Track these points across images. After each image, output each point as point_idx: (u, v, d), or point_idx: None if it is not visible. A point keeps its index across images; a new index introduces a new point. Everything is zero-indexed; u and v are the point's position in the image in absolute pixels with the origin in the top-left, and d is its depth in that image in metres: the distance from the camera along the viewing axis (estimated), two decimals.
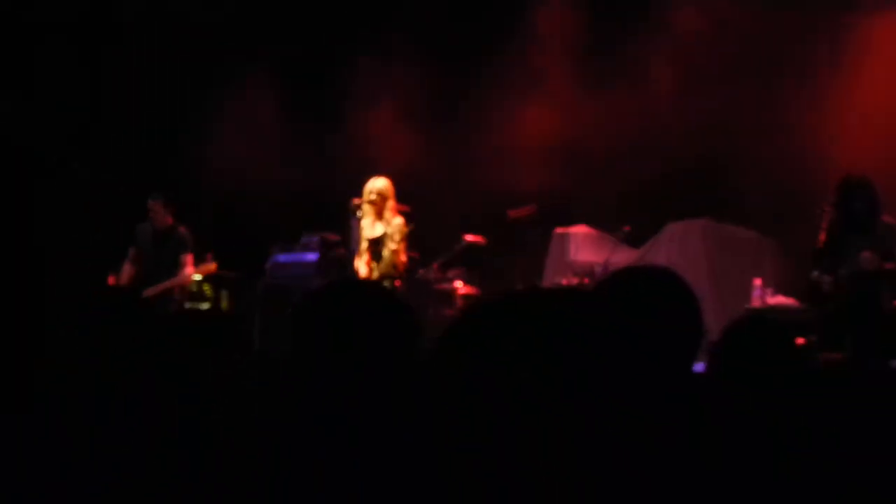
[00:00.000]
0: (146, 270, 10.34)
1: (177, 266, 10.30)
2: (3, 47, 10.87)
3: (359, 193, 9.39)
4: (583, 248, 12.14)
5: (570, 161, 11.65)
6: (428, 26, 12.05)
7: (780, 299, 10.16)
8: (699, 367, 3.01)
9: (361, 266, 9.26)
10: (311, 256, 11.50)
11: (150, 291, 10.09)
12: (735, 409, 2.59)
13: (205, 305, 10.45)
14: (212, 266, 10.31)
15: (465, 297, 10.75)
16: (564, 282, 11.46)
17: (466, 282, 10.90)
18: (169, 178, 11.00)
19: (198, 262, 10.30)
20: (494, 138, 11.97)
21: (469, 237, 10.42)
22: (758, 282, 10.37)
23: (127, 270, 10.42)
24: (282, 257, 11.26)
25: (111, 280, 10.37)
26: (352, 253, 9.55)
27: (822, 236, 8.58)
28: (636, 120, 11.32)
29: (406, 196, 9.68)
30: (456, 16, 12.17)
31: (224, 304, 10.68)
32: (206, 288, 10.50)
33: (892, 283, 8.17)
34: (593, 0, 11.78)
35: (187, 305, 10.30)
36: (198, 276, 10.29)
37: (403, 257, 9.26)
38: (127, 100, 11.84)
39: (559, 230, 12.35)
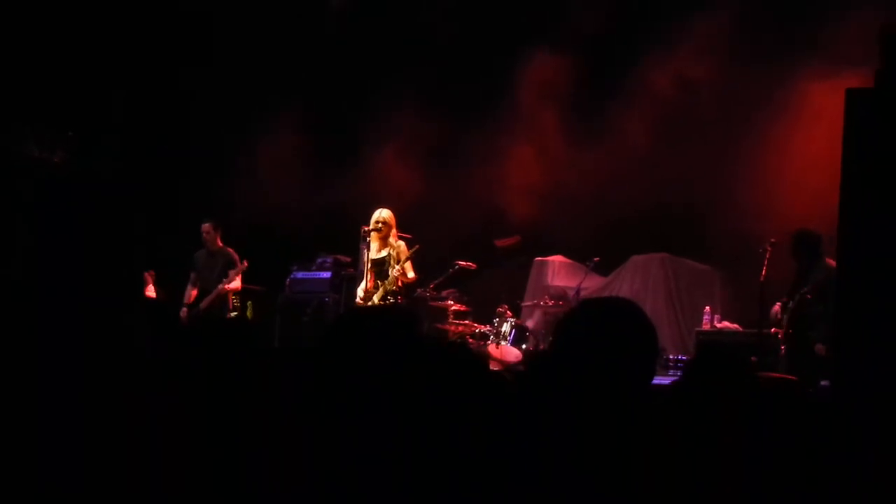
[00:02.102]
0: (202, 287, 10.71)
1: (225, 279, 10.60)
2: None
3: (367, 222, 9.40)
4: (559, 274, 12.33)
5: (550, 199, 11.75)
6: (430, 80, 12.13)
7: (725, 324, 10.20)
8: (665, 380, 3.00)
9: (366, 283, 9.23)
10: (325, 275, 11.66)
11: (205, 303, 10.52)
12: (695, 419, 2.64)
13: (232, 314, 10.49)
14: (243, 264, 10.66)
15: (457, 313, 10.75)
16: (542, 303, 11.50)
17: (457, 301, 10.93)
18: (211, 207, 11.07)
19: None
20: (485, 177, 12.06)
21: (461, 262, 10.49)
22: (708, 308, 10.41)
23: (190, 291, 10.75)
24: (299, 274, 11.40)
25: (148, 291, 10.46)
26: (360, 273, 9.57)
27: (764, 272, 8.65)
28: (610, 166, 11.42)
29: (407, 225, 9.70)
30: (455, 70, 12.23)
31: (249, 312, 10.70)
32: (235, 299, 10.60)
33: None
34: (579, 59, 11.72)
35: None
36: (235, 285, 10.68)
37: (407, 277, 9.25)
38: (179, 143, 11.94)
39: (539, 258, 12.46)
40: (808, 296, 8.29)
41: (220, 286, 10.49)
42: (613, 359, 2.51)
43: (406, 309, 9.27)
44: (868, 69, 4.62)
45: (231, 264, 10.62)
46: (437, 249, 10.41)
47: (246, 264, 10.50)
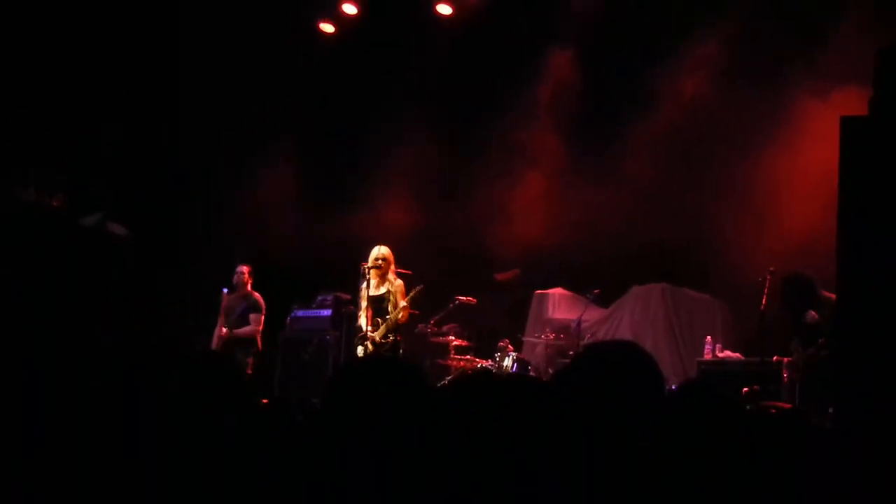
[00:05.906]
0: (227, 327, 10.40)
1: (245, 322, 10.35)
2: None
3: (367, 259, 9.38)
4: (559, 307, 12.25)
5: (550, 231, 11.59)
6: (429, 112, 12.04)
7: (727, 353, 10.13)
8: None
9: (364, 321, 9.21)
10: (326, 312, 11.60)
11: (214, 344, 10.26)
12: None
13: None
14: None
15: (458, 348, 10.70)
16: (543, 337, 11.43)
17: (458, 336, 10.88)
18: (210, 247, 11.03)
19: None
20: (485, 212, 11.95)
21: (461, 297, 10.44)
22: (709, 338, 10.35)
23: (217, 335, 10.37)
24: (300, 312, 11.33)
25: None
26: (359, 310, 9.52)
27: (764, 300, 8.61)
28: (609, 197, 11.30)
29: (407, 259, 9.69)
30: (454, 100, 12.20)
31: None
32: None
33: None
34: (580, 90, 11.69)
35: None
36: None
37: (404, 316, 9.21)
38: (177, 184, 11.90)
39: (539, 291, 12.40)
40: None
41: (250, 330, 10.25)
42: (616, 404, 2.52)
43: (408, 360, 9.23)
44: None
45: (254, 308, 10.38)
46: (436, 284, 10.37)
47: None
